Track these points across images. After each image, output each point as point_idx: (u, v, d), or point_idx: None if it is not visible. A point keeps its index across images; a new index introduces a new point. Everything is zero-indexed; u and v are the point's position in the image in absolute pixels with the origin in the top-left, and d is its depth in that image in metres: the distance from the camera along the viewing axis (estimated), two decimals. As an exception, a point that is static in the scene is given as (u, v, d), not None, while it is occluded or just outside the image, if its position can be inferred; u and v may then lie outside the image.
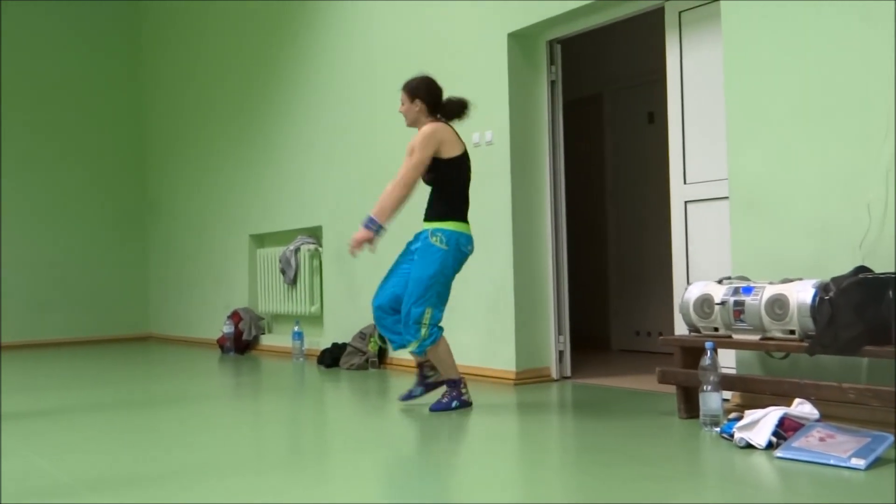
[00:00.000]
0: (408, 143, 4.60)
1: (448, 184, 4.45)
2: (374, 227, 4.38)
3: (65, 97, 10.33)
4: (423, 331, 4.34)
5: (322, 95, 7.44)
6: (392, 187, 4.38)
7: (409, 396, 4.66)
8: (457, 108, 4.57)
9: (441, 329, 4.41)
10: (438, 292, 4.38)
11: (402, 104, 4.56)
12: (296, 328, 7.30)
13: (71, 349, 9.38)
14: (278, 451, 3.67)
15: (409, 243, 4.58)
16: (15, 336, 9.78)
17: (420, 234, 4.50)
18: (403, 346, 4.50)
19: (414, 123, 4.55)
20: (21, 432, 4.12)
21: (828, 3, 3.83)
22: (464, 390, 4.48)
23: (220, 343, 8.25)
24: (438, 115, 4.54)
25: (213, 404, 5.08)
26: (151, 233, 10.75)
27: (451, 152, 4.42)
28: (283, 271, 7.82)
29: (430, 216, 4.47)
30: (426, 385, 4.66)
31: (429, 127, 4.42)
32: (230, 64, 8.94)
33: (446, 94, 4.60)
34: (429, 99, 4.52)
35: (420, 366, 4.65)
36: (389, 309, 4.50)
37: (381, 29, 6.70)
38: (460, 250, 4.41)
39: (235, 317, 8.25)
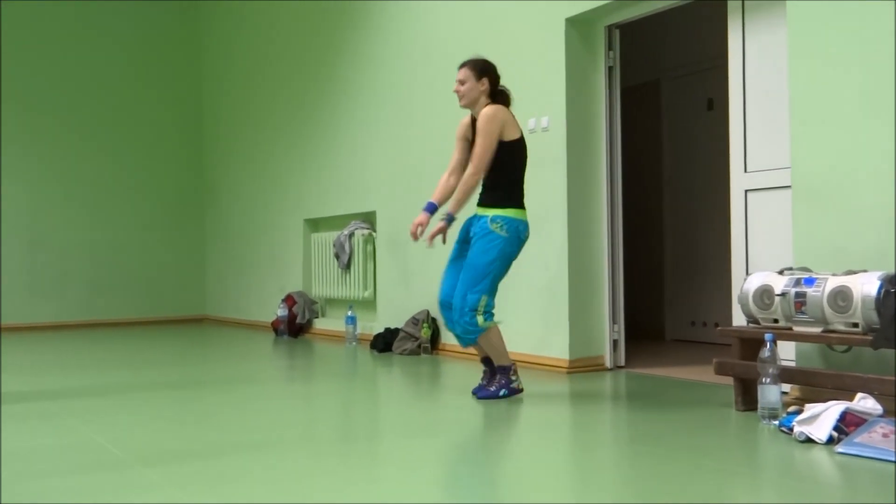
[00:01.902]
0: (458, 127, 4.57)
1: (507, 168, 4.37)
2: (448, 219, 4.35)
3: (126, 82, 10.50)
4: (479, 319, 4.30)
5: (379, 82, 7.44)
6: (470, 176, 4.30)
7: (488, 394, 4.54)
8: (507, 100, 4.52)
9: (493, 316, 4.37)
10: (494, 280, 4.33)
11: (464, 82, 4.43)
12: (349, 313, 7.34)
13: (128, 330, 9.57)
14: (330, 433, 3.69)
15: (463, 232, 4.52)
16: (76, 316, 10.02)
17: (476, 219, 4.43)
18: (471, 342, 4.42)
19: (471, 104, 4.45)
20: (77, 409, 4.21)
21: (899, -13, 3.71)
22: (514, 377, 4.43)
23: (274, 326, 8.34)
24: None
25: (266, 386, 5.13)
26: (208, 216, 10.90)
27: (511, 135, 4.36)
28: (336, 256, 7.86)
29: (488, 202, 4.40)
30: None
31: (491, 109, 4.34)
32: (289, 48, 8.99)
33: (501, 80, 4.56)
34: (494, 81, 4.47)
35: (486, 360, 4.56)
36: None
37: (439, 14, 6.68)
38: (519, 238, 4.36)
39: (289, 300, 8.32)
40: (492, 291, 4.34)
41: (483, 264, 4.29)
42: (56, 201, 10.05)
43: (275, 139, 9.26)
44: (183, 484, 2.76)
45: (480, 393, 4.42)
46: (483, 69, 4.45)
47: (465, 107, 4.48)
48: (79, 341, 8.21)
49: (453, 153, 4.57)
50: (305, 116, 8.64)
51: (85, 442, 3.45)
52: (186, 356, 6.92)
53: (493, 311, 4.37)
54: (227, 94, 10.42)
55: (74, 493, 2.68)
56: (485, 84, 4.42)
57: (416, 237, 4.48)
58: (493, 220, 4.32)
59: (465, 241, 4.49)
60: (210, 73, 10.84)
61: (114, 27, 10.46)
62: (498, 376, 4.44)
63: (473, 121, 4.49)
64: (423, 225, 4.46)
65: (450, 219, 4.36)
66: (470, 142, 4.50)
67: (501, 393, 4.39)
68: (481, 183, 4.42)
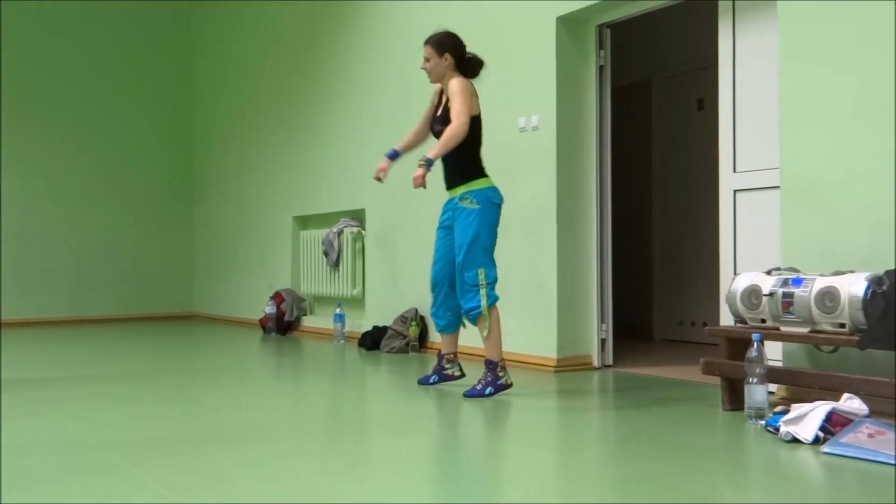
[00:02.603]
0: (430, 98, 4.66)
1: (467, 143, 4.42)
2: (427, 163, 4.37)
3: (115, 78, 10.45)
4: (483, 291, 4.34)
5: (367, 79, 7.43)
6: (459, 125, 4.32)
7: (425, 381, 4.75)
8: (477, 66, 4.60)
9: (496, 296, 4.42)
10: (485, 249, 4.39)
11: (428, 59, 4.53)
12: (337, 310, 7.33)
13: (115, 326, 9.52)
14: (317, 431, 3.68)
15: (442, 218, 4.61)
16: (63, 312, 9.97)
17: (448, 203, 4.55)
18: (447, 328, 4.57)
19: (439, 79, 4.55)
20: (61, 403, 4.18)
21: (888, -12, 3.72)
22: (501, 374, 4.43)
23: (262, 323, 8.31)
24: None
25: (253, 384, 5.11)
26: (197, 213, 10.86)
27: (475, 110, 4.45)
28: (325, 253, 7.84)
29: (454, 181, 4.50)
30: (442, 375, 4.72)
31: (460, 81, 4.42)
32: (278, 46, 8.97)
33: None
34: (456, 53, 4.54)
35: (441, 355, 4.72)
36: (444, 283, 4.60)
37: (430, 12, 6.66)
38: (492, 203, 4.43)
39: (278, 298, 8.30)
40: (486, 262, 4.39)
41: (469, 241, 4.36)
42: (43, 197, 9.99)
43: (264, 136, 9.23)
44: (168, 481, 2.74)
45: (468, 392, 4.42)
46: (440, 44, 4.53)
47: (434, 82, 4.61)
48: (65, 337, 8.17)
49: (424, 112, 4.79)
50: (295, 113, 8.62)
51: (69, 438, 3.43)
52: (174, 353, 6.89)
53: (496, 282, 4.42)
54: (216, 91, 10.38)
55: (57, 489, 2.66)
56: (448, 59, 4.52)
57: (380, 180, 4.65)
58: (462, 197, 4.43)
59: (446, 228, 4.59)
60: (200, 70, 10.80)
61: (103, 23, 10.40)
62: (485, 372, 4.45)
63: (441, 93, 4.62)
64: (385, 170, 4.61)
65: (428, 163, 4.36)
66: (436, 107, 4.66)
67: (487, 391, 4.39)
68: (446, 159, 4.49)
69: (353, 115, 7.65)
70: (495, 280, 4.42)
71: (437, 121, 4.58)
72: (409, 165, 6.75)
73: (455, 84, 4.40)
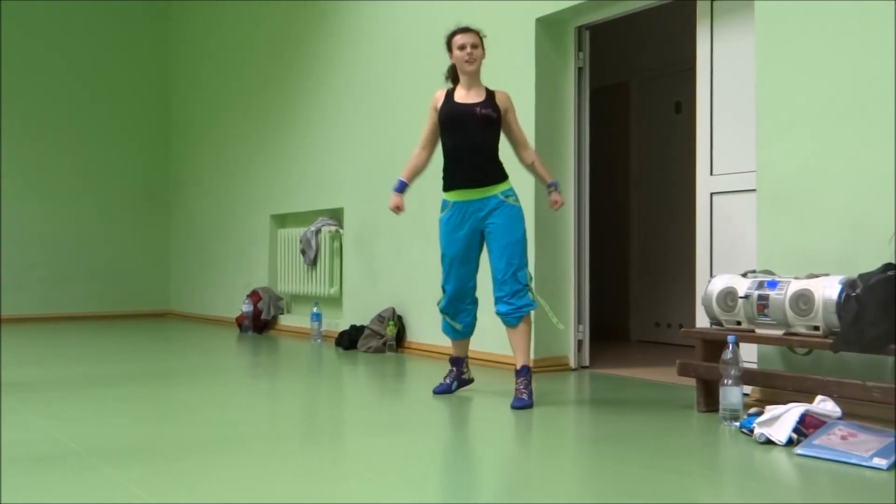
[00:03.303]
0: (432, 100, 4.44)
1: (497, 143, 4.37)
2: (555, 186, 4.44)
3: (90, 74, 10.37)
4: (531, 293, 4.26)
5: (347, 78, 7.41)
6: (533, 151, 4.44)
7: (446, 389, 4.54)
8: None
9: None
10: (526, 251, 4.30)
11: (478, 47, 4.33)
12: (314, 309, 7.30)
13: (91, 323, 9.45)
14: (293, 431, 3.67)
15: (468, 222, 4.30)
16: (37, 309, 9.87)
17: (481, 203, 4.27)
18: (462, 334, 4.47)
19: (477, 71, 4.35)
20: (36, 402, 4.14)
21: (864, -5, 3.76)
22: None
23: (239, 322, 8.28)
24: None
25: (229, 383, 5.08)
26: (174, 210, 10.80)
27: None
28: (303, 252, 7.82)
29: (493, 179, 4.27)
30: (461, 381, 4.59)
31: (503, 91, 4.43)
32: (256, 43, 8.93)
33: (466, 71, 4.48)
34: None
35: (457, 360, 4.57)
36: (472, 291, 4.45)
37: (406, 11, 6.66)
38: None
39: (255, 296, 8.27)
40: (527, 262, 4.31)
41: (517, 240, 4.24)
42: (17, 192, 9.89)
43: (243, 134, 9.19)
44: (142, 481, 2.73)
45: (517, 402, 4.14)
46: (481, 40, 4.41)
47: (471, 72, 4.31)
48: (38, 335, 8.09)
49: (427, 128, 4.47)
50: (274, 111, 8.59)
51: (42, 437, 3.40)
52: (148, 351, 6.85)
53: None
54: (194, 88, 10.32)
55: (31, 489, 2.63)
56: (484, 55, 4.40)
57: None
58: (506, 194, 4.28)
59: (473, 232, 4.32)
60: (178, 66, 10.74)
61: (80, 21, 10.31)
62: (522, 379, 4.21)
63: (448, 95, 4.38)
64: (401, 207, 4.44)
65: (555, 185, 4.44)
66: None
67: (532, 402, 4.18)
68: (479, 160, 4.29)
69: (332, 114, 7.63)
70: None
71: (478, 105, 4.29)
72: (391, 167, 6.76)
73: (507, 93, 4.40)
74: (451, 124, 4.31)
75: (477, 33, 4.36)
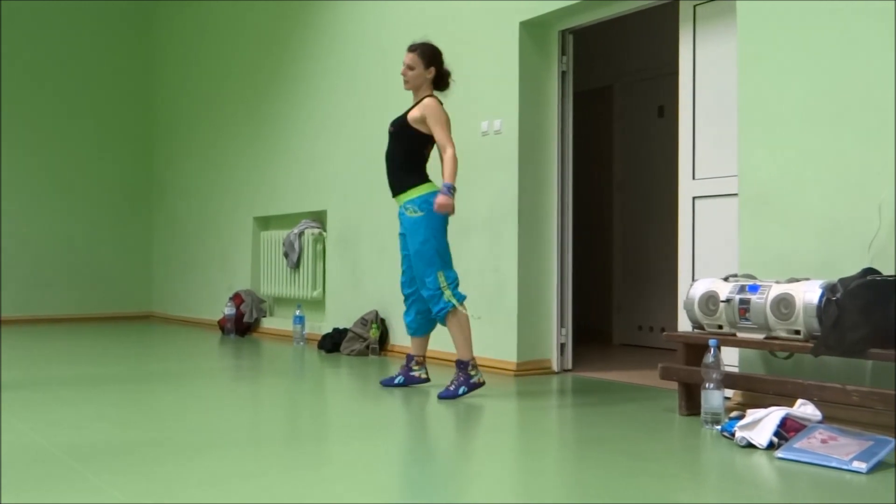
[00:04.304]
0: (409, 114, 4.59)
1: (414, 155, 4.55)
2: (450, 190, 4.44)
3: (72, 75, 10.30)
4: (447, 293, 4.42)
5: (331, 80, 7.40)
6: (453, 160, 4.42)
7: (389, 382, 4.80)
8: (447, 81, 4.67)
9: (462, 295, 4.51)
10: (439, 254, 4.46)
11: (412, 67, 4.53)
12: (297, 312, 7.28)
13: (72, 325, 9.38)
14: (275, 434, 3.65)
15: (401, 229, 4.70)
16: (18, 311, 9.78)
17: (399, 214, 4.62)
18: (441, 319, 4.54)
19: (416, 89, 4.58)
20: (14, 404, 4.11)
21: (843, 2, 3.78)
22: (473, 372, 4.48)
23: (221, 324, 8.24)
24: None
25: (211, 385, 5.06)
26: (156, 212, 10.74)
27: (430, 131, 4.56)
28: (286, 255, 7.79)
29: (399, 190, 4.57)
30: (408, 377, 4.76)
31: (436, 104, 4.51)
32: (240, 47, 8.90)
33: (455, 81, 4.61)
34: (439, 69, 4.61)
35: (410, 357, 4.77)
36: (412, 286, 4.67)
37: (392, 14, 6.66)
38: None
39: (237, 298, 8.24)
40: (443, 265, 4.47)
41: (421, 250, 4.45)
42: (-1, 193, 9.82)
43: (226, 136, 9.15)
44: (121, 485, 2.71)
45: (442, 393, 4.44)
46: (431, 57, 4.58)
47: (408, 89, 4.62)
48: (19, 337, 8.03)
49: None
50: (258, 114, 8.56)
51: (22, 441, 3.37)
52: (130, 353, 6.80)
53: (458, 282, 4.51)
54: (178, 90, 10.28)
55: (10, 492, 2.60)
56: (431, 72, 4.57)
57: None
58: (406, 206, 4.52)
59: (403, 234, 4.67)
60: (162, 69, 10.69)
61: (61, 20, 10.24)
62: (456, 372, 4.49)
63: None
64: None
65: (446, 188, 4.47)
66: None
67: (461, 391, 4.42)
68: (388, 171, 4.64)
69: (316, 116, 7.61)
70: (456, 280, 4.50)
71: (390, 137, 4.64)
72: (374, 170, 6.75)
73: (435, 110, 4.48)
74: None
75: (417, 52, 4.54)
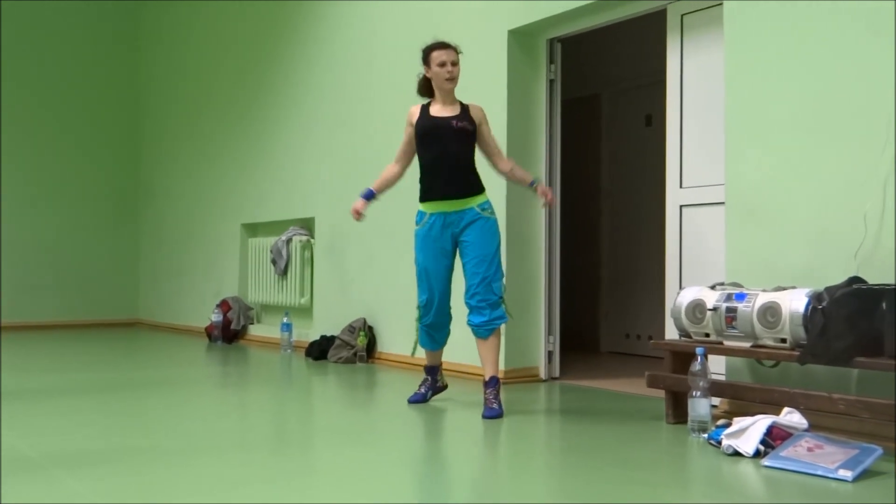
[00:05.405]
0: (408, 115, 4.46)
1: (474, 156, 4.41)
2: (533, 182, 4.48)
3: (60, 82, 10.26)
4: (504, 306, 4.28)
5: (319, 87, 7.40)
6: (509, 160, 4.50)
7: (421, 398, 4.56)
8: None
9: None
10: (501, 263, 4.34)
11: (457, 64, 4.37)
12: (285, 319, 7.26)
13: (58, 332, 9.33)
14: (262, 441, 3.64)
15: (446, 234, 4.32)
16: (2, 317, 9.72)
17: (456, 216, 4.28)
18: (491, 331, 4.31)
19: (455, 87, 4.39)
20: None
21: (831, 12, 3.81)
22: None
23: (208, 331, 8.21)
24: None
25: (197, 392, 5.04)
26: (143, 219, 10.70)
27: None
28: (273, 262, 7.77)
29: (469, 191, 4.30)
30: (435, 388, 4.62)
31: (476, 104, 4.48)
32: (227, 52, 8.89)
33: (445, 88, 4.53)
34: None
35: (432, 369, 4.60)
36: (447, 305, 4.44)
37: (379, 21, 6.66)
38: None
39: (224, 305, 8.21)
40: (503, 275, 4.34)
41: (493, 252, 4.27)
42: (-16, 199, 9.77)
43: (214, 142, 9.13)
44: (105, 492, 2.69)
45: (488, 412, 4.16)
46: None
47: (450, 89, 4.36)
48: (3, 343, 7.97)
49: (402, 142, 4.52)
50: (245, 120, 8.55)
51: (7, 448, 3.34)
52: (116, 360, 6.77)
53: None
54: (165, 95, 10.25)
55: (-10, 500, 2.59)
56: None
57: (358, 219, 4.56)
58: (482, 206, 4.32)
59: (450, 244, 4.34)
60: (149, 73, 10.66)
61: (49, 23, 10.21)
62: (491, 389, 4.23)
63: (424, 109, 4.40)
64: (360, 212, 4.50)
65: (537, 181, 4.50)
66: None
67: (502, 411, 4.23)
68: (456, 173, 4.32)
69: (304, 123, 7.60)
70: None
71: (454, 118, 4.32)
72: (363, 177, 6.75)
73: (479, 106, 4.46)
74: (429, 138, 4.34)
75: (455, 49, 4.41)
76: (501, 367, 5.44)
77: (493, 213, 4.33)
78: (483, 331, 4.24)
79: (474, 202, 4.30)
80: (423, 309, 4.41)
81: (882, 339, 3.26)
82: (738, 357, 3.91)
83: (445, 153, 4.30)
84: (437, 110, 4.37)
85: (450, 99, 4.39)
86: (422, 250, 4.36)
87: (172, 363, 6.59)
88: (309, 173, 7.51)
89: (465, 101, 4.43)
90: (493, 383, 4.23)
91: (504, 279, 4.34)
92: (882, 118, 3.60)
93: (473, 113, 4.40)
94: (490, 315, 4.23)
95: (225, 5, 8.94)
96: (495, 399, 4.19)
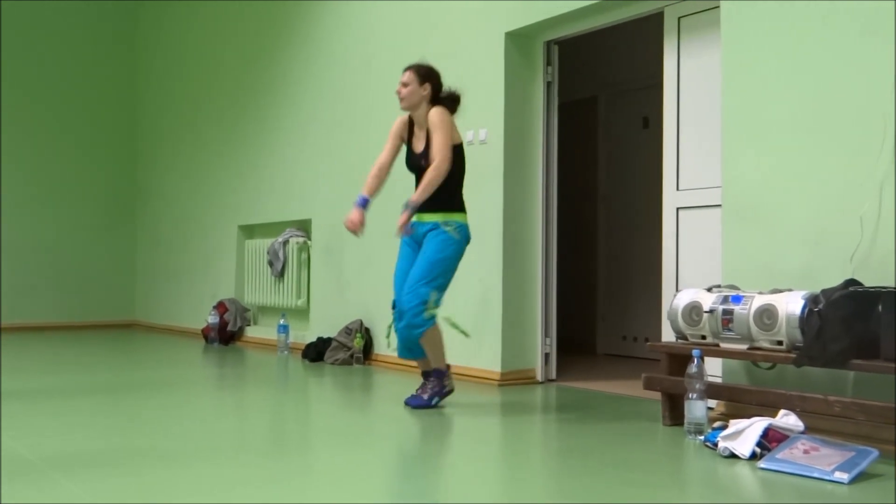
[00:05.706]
0: (394, 124, 4.59)
1: (451, 173, 4.37)
2: (411, 208, 4.30)
3: (58, 82, 10.25)
4: (426, 314, 4.27)
5: (316, 89, 7.40)
6: (436, 174, 4.27)
7: (426, 403, 4.48)
8: (457, 102, 4.56)
9: (436, 316, 4.36)
10: (445, 278, 4.35)
11: (407, 84, 4.44)
12: (281, 321, 7.26)
13: (55, 333, 9.32)
14: (259, 443, 3.63)
15: (407, 240, 4.49)
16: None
17: (423, 225, 4.39)
18: (415, 338, 4.33)
19: (412, 107, 4.48)
20: (-2, 416, 4.08)
21: (828, 14, 3.82)
22: (447, 382, 4.45)
23: (205, 333, 8.20)
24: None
25: (194, 394, 5.03)
26: (140, 220, 10.69)
27: (457, 139, 4.43)
28: (270, 263, 7.77)
29: (436, 207, 4.36)
30: (443, 393, 4.55)
31: (440, 111, 4.38)
32: (225, 53, 8.89)
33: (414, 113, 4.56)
34: (435, 88, 4.51)
35: (425, 373, 4.57)
36: None
37: (377, 23, 6.67)
38: (467, 241, 4.45)
39: (221, 307, 8.20)
40: (441, 288, 4.33)
41: (438, 260, 4.30)
42: (-19, 200, 9.75)
43: (211, 143, 9.13)
44: (102, 494, 2.69)
45: (413, 402, 4.39)
46: (427, 75, 4.49)
47: (404, 109, 4.52)
48: (3, 345, 7.96)
49: (384, 149, 4.64)
50: (243, 121, 8.55)
51: (4, 450, 3.33)
52: (113, 362, 6.76)
53: (438, 310, 4.36)
54: (162, 96, 10.25)
55: (-13, 501, 2.59)
56: (427, 89, 4.47)
57: (356, 234, 4.54)
58: (447, 223, 4.36)
59: (407, 249, 4.50)
60: (146, 74, 10.66)
61: (47, 24, 10.20)
62: (432, 380, 4.42)
63: (411, 123, 4.54)
64: (360, 223, 4.48)
65: (413, 207, 4.30)
66: (403, 141, 4.59)
67: (434, 401, 4.38)
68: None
69: (301, 125, 7.61)
70: (439, 306, 4.35)
71: (422, 156, 4.42)
72: (359, 179, 6.75)
73: (435, 115, 4.35)
74: (411, 169, 4.55)
75: (413, 70, 4.49)
76: (498, 368, 5.45)
77: (457, 231, 4.37)
78: (415, 334, 4.37)
79: (438, 217, 4.38)
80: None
81: (878, 342, 3.26)
82: (735, 359, 3.91)
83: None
84: (414, 137, 4.54)
85: (419, 119, 4.49)
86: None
87: (169, 365, 6.58)
88: (306, 175, 7.51)
89: (432, 107, 4.45)
90: (435, 374, 4.44)
91: (436, 292, 4.31)
92: (879, 120, 3.61)
93: (430, 126, 4.39)
94: (408, 320, 4.30)
95: (223, 6, 8.94)
96: (422, 388, 4.44)
